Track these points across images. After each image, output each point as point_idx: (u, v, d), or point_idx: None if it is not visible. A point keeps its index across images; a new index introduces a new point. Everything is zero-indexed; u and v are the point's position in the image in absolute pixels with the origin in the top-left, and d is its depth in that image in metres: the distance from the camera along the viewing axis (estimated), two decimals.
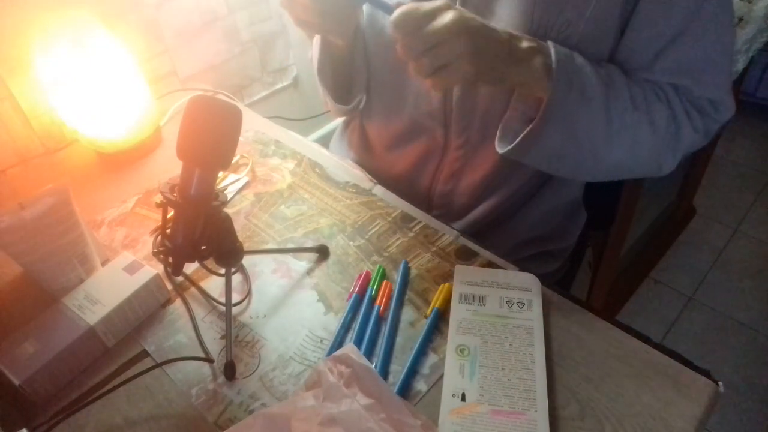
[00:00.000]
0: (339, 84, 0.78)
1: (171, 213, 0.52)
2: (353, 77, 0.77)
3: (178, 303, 0.62)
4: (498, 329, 0.55)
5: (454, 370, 0.52)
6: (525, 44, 0.55)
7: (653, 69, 0.60)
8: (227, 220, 0.55)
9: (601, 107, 0.56)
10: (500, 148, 0.62)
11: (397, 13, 0.51)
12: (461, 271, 0.61)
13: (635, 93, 0.58)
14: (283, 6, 0.60)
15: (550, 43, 0.56)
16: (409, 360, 0.54)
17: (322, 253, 0.66)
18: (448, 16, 0.50)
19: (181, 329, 0.60)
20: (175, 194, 0.51)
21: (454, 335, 0.55)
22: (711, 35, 0.58)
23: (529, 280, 0.60)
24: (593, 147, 0.59)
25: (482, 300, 0.58)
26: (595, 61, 0.59)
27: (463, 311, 0.57)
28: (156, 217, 0.74)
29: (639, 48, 0.59)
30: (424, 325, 0.57)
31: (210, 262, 0.59)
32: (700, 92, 0.61)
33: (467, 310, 0.57)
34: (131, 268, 0.61)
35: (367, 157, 0.85)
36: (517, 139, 0.59)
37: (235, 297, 0.62)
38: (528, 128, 0.58)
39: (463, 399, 0.50)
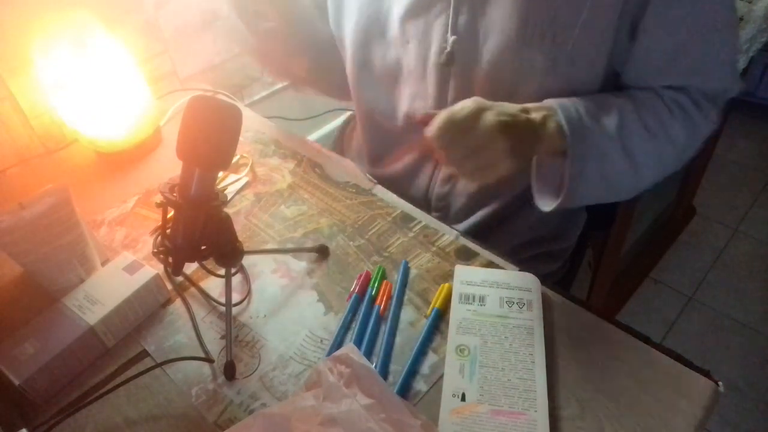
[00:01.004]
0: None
1: (171, 213, 0.52)
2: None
3: (178, 303, 0.62)
4: (498, 329, 0.55)
5: (454, 370, 0.52)
6: (537, 114, 0.57)
7: (669, 72, 0.61)
8: (227, 220, 0.55)
9: (620, 153, 0.59)
10: (545, 207, 0.63)
11: (434, 128, 0.53)
12: (461, 271, 0.61)
13: (648, 120, 0.59)
14: None
15: (556, 106, 0.58)
16: (409, 360, 0.54)
17: (322, 253, 0.66)
18: (485, 122, 0.53)
19: (181, 329, 0.60)
20: (175, 194, 0.51)
21: (454, 335, 0.55)
22: (720, 34, 0.59)
23: (529, 280, 0.60)
24: (625, 182, 0.61)
25: (482, 300, 0.58)
26: (602, 95, 0.60)
27: (463, 311, 0.57)
28: (156, 217, 0.74)
29: (653, 53, 0.60)
30: (424, 325, 0.57)
31: (210, 263, 0.59)
32: (712, 86, 0.62)
33: (467, 310, 0.57)
34: (131, 268, 0.61)
35: (365, 159, 0.85)
36: (555, 205, 0.61)
37: (235, 297, 0.62)
38: (560, 199, 0.60)
39: (463, 399, 0.50)
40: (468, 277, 0.60)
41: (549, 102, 0.59)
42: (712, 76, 0.62)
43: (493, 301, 0.58)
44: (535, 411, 0.49)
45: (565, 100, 0.59)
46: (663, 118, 0.60)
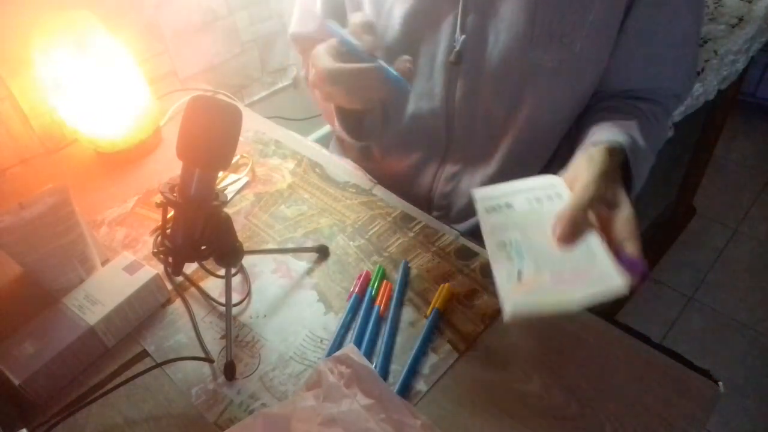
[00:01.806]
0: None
1: (171, 213, 0.52)
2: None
3: (178, 303, 0.62)
4: (534, 220, 0.51)
5: (501, 261, 0.49)
6: (609, 169, 0.53)
7: (641, 76, 0.65)
8: (227, 220, 0.55)
9: (651, 153, 0.62)
10: None
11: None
12: (479, 193, 0.56)
13: (653, 124, 0.65)
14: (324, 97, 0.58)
15: (623, 142, 0.56)
16: (409, 360, 0.54)
17: (322, 253, 0.66)
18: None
19: (181, 329, 0.60)
20: (175, 194, 0.51)
21: (490, 235, 0.51)
22: (690, 47, 0.65)
23: (551, 179, 0.55)
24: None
25: (509, 206, 0.54)
26: (622, 117, 0.62)
27: (492, 219, 0.53)
28: (156, 217, 0.74)
29: (630, 56, 0.63)
30: (424, 325, 0.57)
31: (210, 263, 0.59)
32: (674, 90, 0.68)
33: (497, 217, 0.53)
34: (131, 268, 0.61)
35: (367, 157, 0.85)
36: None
37: (235, 297, 0.62)
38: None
39: (519, 279, 0.47)
40: (487, 195, 0.56)
41: (607, 143, 0.56)
42: (676, 77, 0.67)
43: (521, 204, 0.54)
44: (596, 264, 0.46)
45: (611, 136, 0.57)
46: (659, 117, 0.66)
